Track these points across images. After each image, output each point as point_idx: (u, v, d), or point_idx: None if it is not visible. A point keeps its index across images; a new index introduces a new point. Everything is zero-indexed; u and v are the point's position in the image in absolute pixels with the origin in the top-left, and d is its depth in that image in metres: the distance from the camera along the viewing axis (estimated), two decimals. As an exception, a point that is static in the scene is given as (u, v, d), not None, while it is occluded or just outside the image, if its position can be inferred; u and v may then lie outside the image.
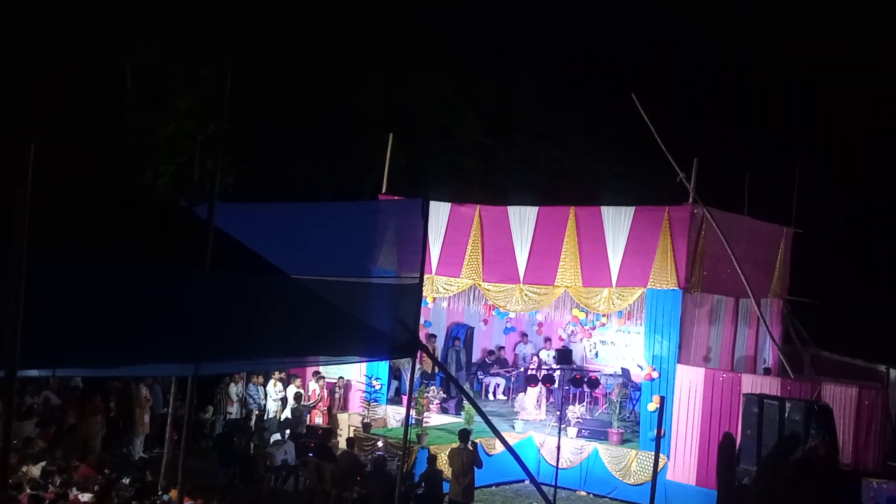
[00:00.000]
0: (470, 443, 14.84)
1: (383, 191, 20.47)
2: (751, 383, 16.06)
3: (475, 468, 14.52)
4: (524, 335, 22.53)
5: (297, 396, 18.44)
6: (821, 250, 23.79)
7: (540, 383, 18.11)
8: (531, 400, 18.89)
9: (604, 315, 19.08)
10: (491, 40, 29.12)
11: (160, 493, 11.92)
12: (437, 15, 28.18)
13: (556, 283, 18.10)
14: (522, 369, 21.37)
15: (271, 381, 18.75)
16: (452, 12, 28.61)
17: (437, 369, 19.22)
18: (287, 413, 18.12)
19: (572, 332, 22.37)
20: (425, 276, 12.29)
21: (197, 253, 10.11)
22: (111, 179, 21.71)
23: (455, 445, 14.91)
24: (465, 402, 17.32)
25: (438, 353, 20.36)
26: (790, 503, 12.68)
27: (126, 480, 12.67)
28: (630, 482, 16.81)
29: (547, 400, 19.15)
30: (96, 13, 21.85)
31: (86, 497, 11.52)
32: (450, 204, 19.38)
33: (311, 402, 18.74)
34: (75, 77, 21.40)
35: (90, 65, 21.89)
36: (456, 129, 29.00)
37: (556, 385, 17.89)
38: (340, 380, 19.38)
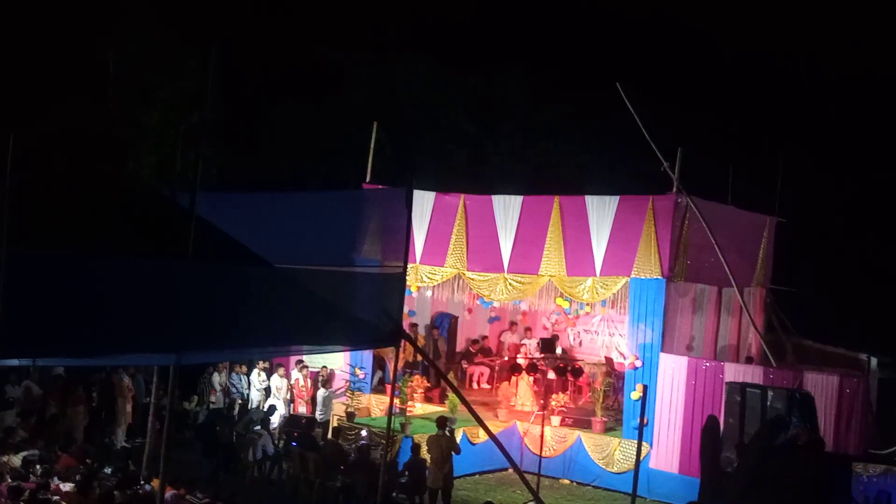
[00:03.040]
0: (448, 429, 14.87)
1: (367, 180, 20.41)
2: (733, 372, 16.15)
3: (453, 454, 14.58)
4: (513, 324, 22.55)
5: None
6: (803, 240, 23.91)
7: (524, 372, 18.14)
8: (525, 388, 18.94)
9: (588, 304, 19.10)
10: (479, 31, 29.02)
11: (142, 482, 11.87)
12: (426, 5, 28.05)
13: (540, 273, 18.10)
14: (506, 358, 21.41)
15: (255, 371, 18.71)
16: (441, 2, 28.48)
17: (420, 358, 19.22)
18: (272, 402, 18.05)
19: (556, 321, 22.41)
20: (409, 266, 12.29)
21: (179, 242, 10.04)
22: (94, 169, 21.55)
23: (434, 433, 14.95)
24: (449, 391, 17.34)
25: (422, 343, 20.34)
26: (778, 491, 12.75)
27: (108, 470, 12.63)
28: (613, 470, 16.88)
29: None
30: (80, 2, 21.68)
31: (67, 487, 11.46)
32: (434, 193, 19.34)
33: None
34: (59, 68, 21.23)
35: (74, 55, 21.71)
36: (443, 119, 28.95)
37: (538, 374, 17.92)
38: (324, 369, 19.33)
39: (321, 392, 18.08)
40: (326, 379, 18.43)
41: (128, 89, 23.11)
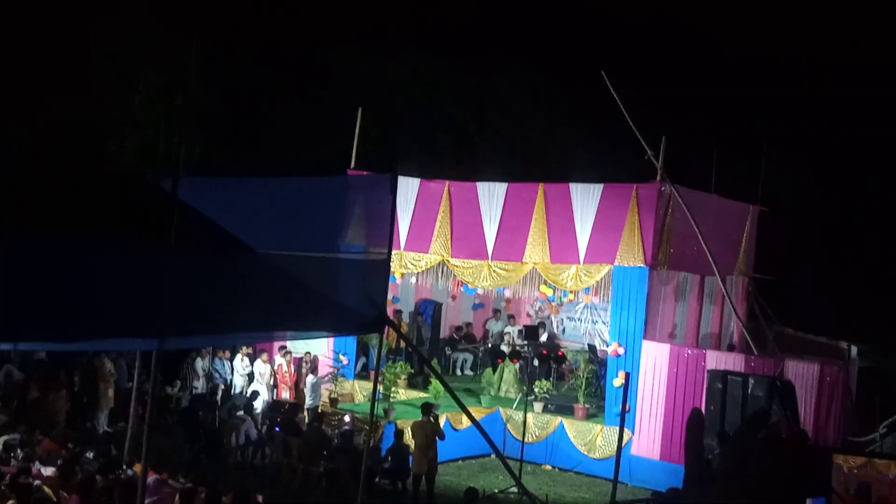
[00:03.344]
0: (432, 415, 14.92)
1: (352, 166, 20.36)
2: (715, 360, 16.25)
3: (438, 440, 14.65)
4: (496, 311, 22.59)
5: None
6: (786, 228, 24.03)
7: (507, 358, 18.21)
8: (510, 376, 19.02)
9: (571, 292, 19.16)
10: (466, 18, 28.91)
11: (124, 467, 11.85)
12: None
13: (524, 260, 18.14)
14: (490, 345, 21.47)
15: (238, 356, 18.67)
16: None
17: (403, 344, 19.24)
18: (255, 387, 18.03)
19: (540, 308, 22.48)
20: (393, 252, 12.30)
21: (162, 227, 10.00)
22: (74, 152, 21.37)
23: (418, 419, 15.00)
24: (433, 378, 17.38)
25: (405, 329, 20.37)
26: (761, 485, 12.83)
27: (90, 455, 12.59)
28: (595, 456, 16.98)
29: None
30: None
31: (49, 471, 11.42)
32: (419, 179, 19.33)
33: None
34: (39, 54, 21.02)
35: (56, 39, 21.50)
36: (428, 106, 28.87)
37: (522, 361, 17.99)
38: (307, 355, 19.32)
39: (310, 378, 18.09)
40: (315, 365, 18.44)
41: (110, 73, 22.90)
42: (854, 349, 20.60)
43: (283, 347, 18.74)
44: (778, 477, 12.59)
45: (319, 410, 17.28)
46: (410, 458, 14.97)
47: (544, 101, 29.75)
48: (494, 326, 22.20)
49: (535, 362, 18.36)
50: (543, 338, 20.70)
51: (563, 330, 22.43)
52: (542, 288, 19.16)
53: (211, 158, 22.36)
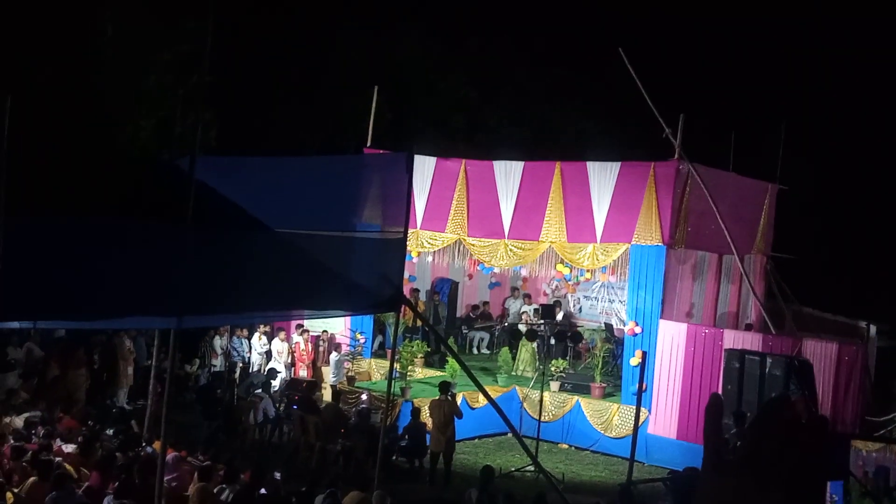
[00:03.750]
0: (450, 394, 14.95)
1: (368, 144, 20.34)
2: (732, 339, 16.19)
3: (455, 418, 14.70)
4: (515, 289, 22.56)
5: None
6: (805, 207, 23.88)
7: (524, 337, 18.20)
8: (527, 355, 19.05)
9: (588, 271, 19.14)
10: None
11: (144, 444, 11.96)
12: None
13: (540, 239, 18.09)
14: (507, 324, 21.47)
15: (256, 335, 18.78)
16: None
17: (420, 323, 19.27)
18: (273, 366, 18.14)
19: (556, 287, 22.44)
20: (410, 231, 12.27)
21: (179, 206, 10.04)
22: (92, 134, 21.41)
23: (436, 398, 15.04)
24: (449, 356, 17.42)
25: (422, 308, 20.40)
26: (779, 469, 12.79)
27: (110, 432, 12.71)
28: (612, 435, 17.00)
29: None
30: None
31: (69, 448, 11.55)
32: (435, 158, 19.27)
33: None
34: (53, 28, 21.02)
35: (69, 16, 21.49)
36: (442, 85, 28.76)
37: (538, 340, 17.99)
38: (325, 333, 19.42)
39: (333, 356, 18.26)
40: (338, 343, 18.58)
41: (125, 52, 22.89)
42: (873, 329, 20.49)
43: (301, 326, 18.83)
44: (796, 461, 12.55)
45: (337, 388, 17.37)
46: (427, 436, 15.03)
47: (559, 81, 29.57)
48: (513, 305, 22.19)
49: (552, 341, 18.34)
50: (560, 316, 20.68)
51: (580, 309, 22.39)
52: (559, 267, 19.13)
53: (226, 141, 22.39)
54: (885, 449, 12.15)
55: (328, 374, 18.64)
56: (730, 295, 19.51)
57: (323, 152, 24.51)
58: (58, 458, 10.83)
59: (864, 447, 12.35)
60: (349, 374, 18.24)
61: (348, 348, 18.99)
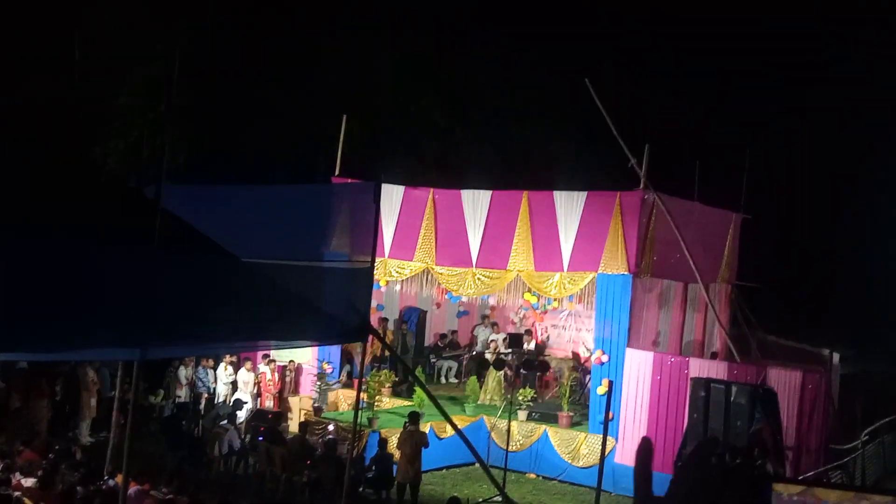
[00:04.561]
0: (419, 424, 14.87)
1: (337, 173, 20.34)
2: (698, 367, 16.30)
3: (423, 448, 14.63)
4: (485, 317, 22.55)
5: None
6: (769, 236, 24.15)
7: (492, 367, 18.18)
8: (494, 384, 19.03)
9: (555, 299, 19.21)
10: (449, 13, 28.83)
11: (106, 478, 11.76)
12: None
13: (508, 268, 18.16)
14: (475, 353, 21.45)
15: (221, 365, 18.58)
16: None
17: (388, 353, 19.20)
18: (239, 396, 17.96)
19: (524, 316, 22.49)
20: (378, 260, 12.28)
21: (145, 235, 9.95)
22: (59, 154, 21.20)
23: (406, 429, 14.96)
24: (417, 386, 17.35)
25: (391, 337, 20.34)
26: None
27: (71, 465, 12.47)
28: (579, 465, 16.98)
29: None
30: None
31: (29, 482, 11.32)
32: (403, 187, 19.33)
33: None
34: (24, 42, 20.87)
35: (40, 31, 21.37)
36: (413, 108, 28.81)
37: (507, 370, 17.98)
38: (291, 363, 19.27)
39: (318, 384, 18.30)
40: (323, 372, 18.65)
41: (95, 70, 22.74)
42: (836, 356, 20.70)
43: (267, 356, 18.67)
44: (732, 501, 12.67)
45: (303, 419, 17.22)
46: (394, 466, 14.93)
47: (528, 99, 29.70)
48: (482, 333, 22.19)
49: (521, 371, 18.35)
50: (531, 346, 20.65)
51: (548, 338, 22.45)
52: (527, 296, 19.19)
53: (194, 164, 22.25)
54: (806, 493, 12.01)
55: (295, 405, 18.50)
56: (695, 323, 19.66)
57: (294, 174, 24.45)
58: (17, 493, 10.61)
59: (786, 490, 12.16)
60: (315, 404, 18.11)
61: (312, 378, 18.91)
